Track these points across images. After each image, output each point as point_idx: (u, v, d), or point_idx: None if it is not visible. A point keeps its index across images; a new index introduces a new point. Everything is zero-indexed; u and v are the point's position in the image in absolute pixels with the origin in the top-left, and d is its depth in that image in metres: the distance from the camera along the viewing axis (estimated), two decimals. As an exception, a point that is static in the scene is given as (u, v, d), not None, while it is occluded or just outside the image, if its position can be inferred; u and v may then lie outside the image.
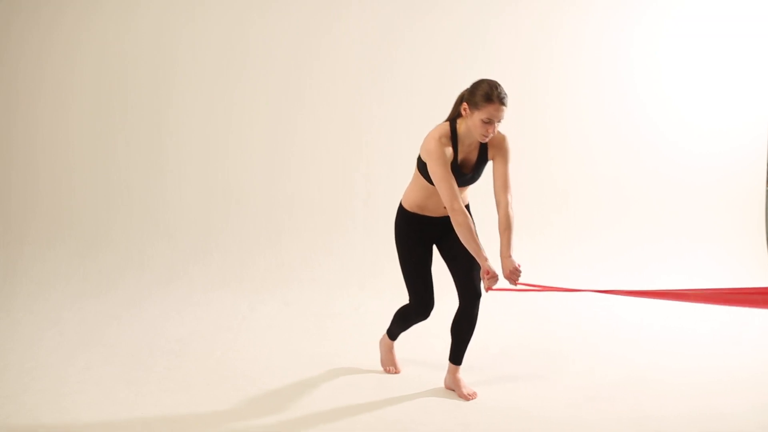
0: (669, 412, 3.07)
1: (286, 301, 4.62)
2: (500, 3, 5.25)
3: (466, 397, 3.21)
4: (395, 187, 3.86)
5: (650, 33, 5.35)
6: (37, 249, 5.00)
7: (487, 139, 2.94)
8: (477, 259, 2.98)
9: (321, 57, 5.21)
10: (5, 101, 5.16)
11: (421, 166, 3.08)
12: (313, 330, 4.15)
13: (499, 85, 2.90)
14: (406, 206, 3.22)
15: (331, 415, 3.05)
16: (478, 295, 3.16)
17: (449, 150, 2.98)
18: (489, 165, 3.15)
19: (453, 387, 3.28)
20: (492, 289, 2.99)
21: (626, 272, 4.96)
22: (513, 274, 2.99)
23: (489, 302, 4.56)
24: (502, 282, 3.03)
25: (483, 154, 3.06)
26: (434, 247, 3.29)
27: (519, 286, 3.05)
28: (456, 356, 3.26)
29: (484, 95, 2.87)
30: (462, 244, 3.04)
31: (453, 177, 2.96)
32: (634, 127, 5.39)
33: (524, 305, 4.55)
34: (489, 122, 2.88)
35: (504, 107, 2.88)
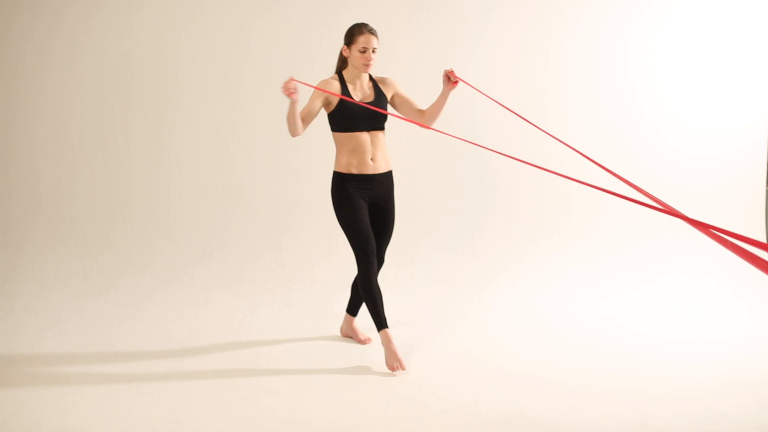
0: (670, 412, 3.06)
1: (286, 301, 4.62)
2: (498, 3, 5.25)
3: (363, 342, 3.81)
4: (395, 187, 3.87)
5: (649, 34, 5.34)
6: (37, 249, 5.00)
7: (368, 68, 3.52)
8: (290, 109, 3.46)
9: (321, 56, 5.21)
10: (6, 101, 5.16)
11: (329, 121, 3.64)
12: (313, 330, 4.15)
13: (367, 23, 3.56)
14: (338, 169, 3.63)
15: (331, 416, 3.05)
16: (383, 262, 3.76)
17: (336, 85, 3.53)
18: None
19: (350, 334, 3.91)
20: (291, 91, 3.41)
21: (626, 271, 4.95)
22: (449, 73, 3.51)
23: (489, 301, 4.57)
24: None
25: (378, 90, 3.63)
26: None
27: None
28: (353, 308, 3.90)
29: (357, 31, 3.52)
30: (381, 216, 3.63)
31: (311, 108, 3.55)
32: (633, 127, 5.38)
33: (524, 305, 4.55)
34: (365, 51, 3.49)
35: (374, 37, 3.51)
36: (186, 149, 5.21)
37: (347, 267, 4.95)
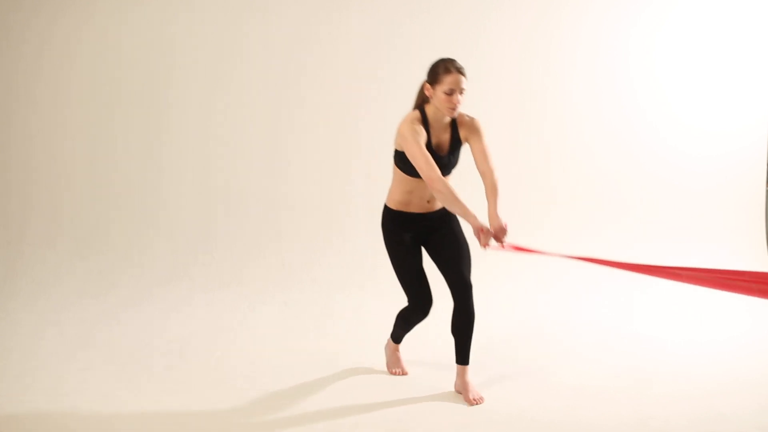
0: (670, 412, 3.07)
1: (286, 301, 4.62)
2: (498, 3, 5.26)
3: (471, 402, 3.17)
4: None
5: (649, 34, 5.35)
6: (36, 249, 5.00)
7: (455, 113, 3.04)
8: (466, 219, 2.98)
9: (320, 56, 5.21)
10: (3, 101, 5.16)
11: (398, 158, 3.13)
12: (313, 330, 4.15)
13: (454, 59, 3.07)
14: (391, 205, 3.25)
15: (331, 416, 3.05)
16: (469, 286, 3.17)
17: (423, 132, 3.05)
18: (468, 153, 3.19)
19: (461, 390, 3.23)
20: (488, 246, 2.97)
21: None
22: (500, 233, 2.99)
23: (489, 301, 4.56)
24: (494, 242, 3.03)
25: (455, 135, 3.15)
26: (422, 249, 3.30)
27: (508, 247, 3.05)
28: (462, 356, 3.23)
29: (443, 68, 3.03)
30: (448, 240, 3.19)
31: (429, 155, 3.00)
32: (633, 127, 5.39)
33: (524, 305, 4.55)
34: (451, 93, 3.00)
35: (463, 76, 3.02)
36: (185, 148, 5.21)
37: (347, 267, 4.95)
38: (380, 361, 3.61)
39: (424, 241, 3.28)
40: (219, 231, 5.14)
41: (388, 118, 5.31)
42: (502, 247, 3.01)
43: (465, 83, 3.03)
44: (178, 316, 4.34)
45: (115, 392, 3.26)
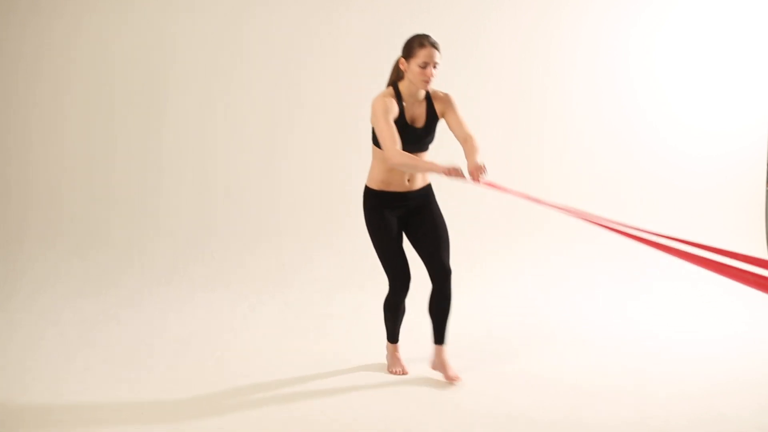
0: (670, 412, 3.06)
1: (286, 301, 4.62)
2: (498, 3, 5.26)
3: (452, 379, 3.29)
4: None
5: (649, 34, 5.35)
6: (36, 248, 5.00)
7: (428, 85, 3.13)
8: (433, 169, 3.04)
9: (318, 54, 5.21)
10: (3, 100, 5.16)
11: (374, 136, 3.20)
12: (313, 330, 4.15)
13: (428, 35, 3.13)
14: (371, 185, 3.31)
15: (331, 415, 3.04)
16: (448, 271, 3.27)
17: (394, 106, 3.12)
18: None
19: (440, 369, 3.36)
20: (463, 178, 2.99)
21: (626, 271, 4.96)
22: (476, 170, 3.03)
23: (489, 301, 4.56)
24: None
25: (431, 109, 3.23)
26: (403, 232, 3.38)
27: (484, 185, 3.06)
28: (438, 336, 3.36)
29: (417, 43, 3.11)
30: (428, 224, 3.28)
31: (395, 127, 3.08)
32: (633, 127, 5.39)
33: (524, 305, 4.55)
34: (425, 66, 3.09)
35: (436, 50, 3.10)
36: (185, 148, 5.21)
37: (347, 267, 4.95)
38: (380, 361, 3.60)
39: (405, 223, 3.35)
40: (219, 231, 5.14)
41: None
42: (477, 182, 3.04)
43: (438, 57, 3.12)
44: (178, 316, 4.33)
45: (115, 392, 3.25)
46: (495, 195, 5.13)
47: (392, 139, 3.05)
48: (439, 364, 3.36)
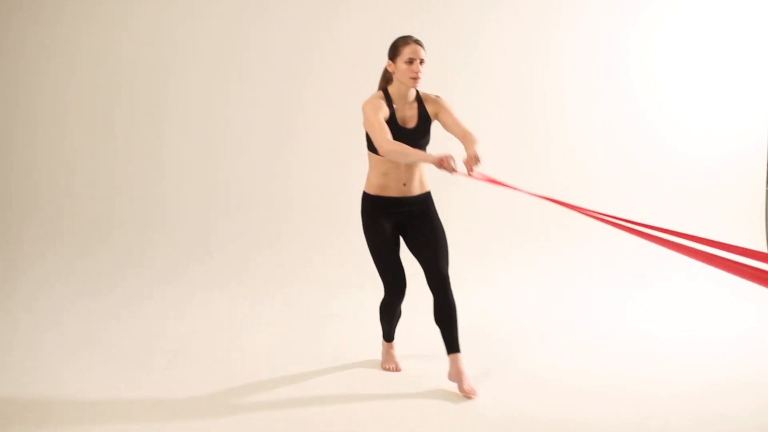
0: (670, 412, 3.06)
1: (286, 301, 4.62)
2: (498, 3, 5.26)
3: (466, 393, 3.19)
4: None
5: (649, 34, 5.35)
6: (36, 248, 5.00)
7: (417, 82, 3.16)
8: (425, 160, 3.04)
9: (320, 55, 5.21)
10: (4, 100, 5.16)
11: (368, 140, 3.22)
12: (313, 330, 4.15)
13: (411, 35, 3.21)
14: (368, 190, 3.32)
15: (331, 416, 3.05)
16: (445, 277, 3.24)
17: (384, 107, 3.17)
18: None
19: (455, 379, 3.23)
20: (456, 172, 2.97)
21: (626, 271, 4.96)
22: (471, 160, 3.03)
23: (488, 302, 4.56)
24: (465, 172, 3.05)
25: (423, 111, 3.26)
26: (400, 237, 3.37)
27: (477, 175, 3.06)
28: (450, 345, 3.26)
29: (401, 41, 3.18)
30: (426, 229, 3.27)
31: (385, 123, 3.12)
32: (633, 127, 5.39)
33: (524, 305, 4.55)
34: (411, 62, 3.14)
35: (421, 47, 3.16)
36: (185, 148, 5.21)
37: (347, 267, 4.95)
38: (379, 360, 3.61)
39: (402, 229, 3.34)
40: (219, 231, 5.14)
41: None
42: (471, 175, 3.03)
43: (424, 54, 3.16)
44: (178, 316, 4.33)
45: (115, 392, 3.25)
46: (494, 197, 5.16)
47: (382, 130, 3.09)
48: (456, 375, 3.24)
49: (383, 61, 3.31)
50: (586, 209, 2.83)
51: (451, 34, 5.21)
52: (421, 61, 3.15)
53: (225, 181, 5.22)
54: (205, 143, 5.23)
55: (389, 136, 3.09)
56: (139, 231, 5.10)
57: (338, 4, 5.19)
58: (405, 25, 5.17)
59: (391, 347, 3.57)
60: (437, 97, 3.30)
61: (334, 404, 3.15)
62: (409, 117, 3.24)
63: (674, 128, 5.41)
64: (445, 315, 3.25)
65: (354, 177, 5.22)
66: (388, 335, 3.55)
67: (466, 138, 3.18)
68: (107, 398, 3.20)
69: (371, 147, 3.23)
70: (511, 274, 4.91)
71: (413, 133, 3.22)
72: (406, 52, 3.14)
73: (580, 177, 5.36)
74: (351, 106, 5.21)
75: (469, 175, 3.05)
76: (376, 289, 4.68)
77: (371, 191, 3.31)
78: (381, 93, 3.24)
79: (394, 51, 3.19)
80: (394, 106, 3.21)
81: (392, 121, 3.18)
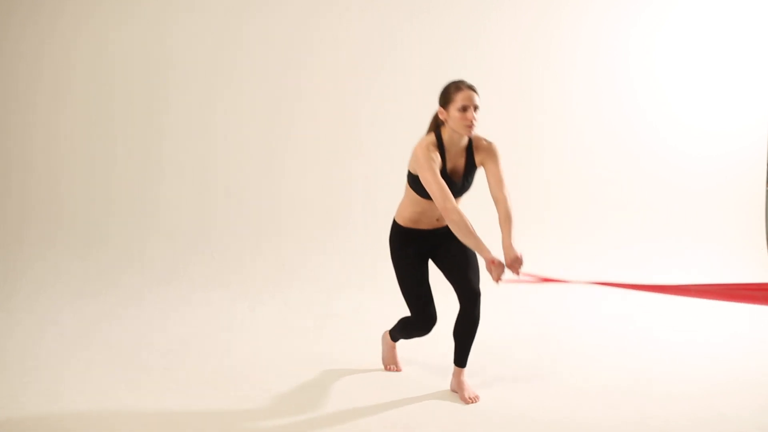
0: (670, 412, 3.06)
1: (286, 301, 4.62)
2: (498, 3, 5.26)
3: (467, 401, 3.18)
4: (395, 186, 3.86)
5: (649, 34, 5.35)
6: (36, 249, 5.00)
7: (472, 130, 2.97)
8: (479, 252, 2.95)
9: (318, 55, 5.21)
10: (3, 101, 5.16)
11: (412, 180, 3.09)
12: (313, 330, 4.15)
13: (463, 79, 3.02)
14: (400, 221, 3.22)
15: (331, 416, 3.04)
16: (477, 294, 3.14)
17: (438, 157, 3.00)
18: (482, 175, 3.14)
19: (457, 390, 3.25)
20: (501, 280, 2.93)
21: (626, 271, 4.96)
22: (515, 263, 2.93)
23: (488, 301, 4.56)
24: (507, 273, 2.99)
25: (470, 160, 3.10)
26: (430, 263, 3.27)
27: (524, 277, 2.99)
28: (460, 359, 3.24)
29: (453, 87, 2.99)
30: (455, 250, 3.13)
31: (444, 184, 2.96)
32: (633, 127, 5.39)
33: (524, 305, 4.55)
34: (465, 109, 2.95)
35: (474, 93, 2.97)
36: (185, 148, 5.22)
37: (347, 267, 4.95)
38: (380, 361, 3.61)
39: (432, 254, 3.26)
40: (219, 231, 5.14)
41: (389, 119, 5.33)
42: (519, 279, 2.96)
43: (478, 100, 2.98)
44: (178, 316, 4.33)
45: (114, 392, 3.25)
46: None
47: (444, 195, 2.92)
48: (457, 385, 3.25)
49: (383, 61, 3.29)
50: (640, 285, 2.93)
51: (451, 34, 5.20)
52: (476, 108, 2.96)
53: (225, 181, 5.22)
54: (205, 143, 5.23)
55: (453, 202, 2.93)
56: (139, 231, 5.10)
57: (337, 3, 5.18)
58: (405, 25, 5.19)
59: (394, 347, 3.56)
60: (489, 144, 3.11)
61: (334, 404, 3.15)
62: (458, 167, 3.08)
63: (674, 128, 5.41)
64: (467, 329, 3.19)
65: (354, 177, 5.24)
66: (395, 338, 3.52)
67: (500, 205, 3.06)
68: (107, 398, 3.19)
69: (414, 186, 3.08)
70: (508, 273, 4.90)
71: (459, 187, 3.09)
72: (459, 99, 2.95)
73: (580, 177, 5.36)
74: (351, 106, 5.23)
75: (518, 279, 2.95)
76: (376, 289, 4.71)
77: (403, 223, 3.21)
78: (433, 138, 3.03)
79: (446, 97, 3.00)
80: (446, 155, 3.04)
81: (443, 173, 3.01)
